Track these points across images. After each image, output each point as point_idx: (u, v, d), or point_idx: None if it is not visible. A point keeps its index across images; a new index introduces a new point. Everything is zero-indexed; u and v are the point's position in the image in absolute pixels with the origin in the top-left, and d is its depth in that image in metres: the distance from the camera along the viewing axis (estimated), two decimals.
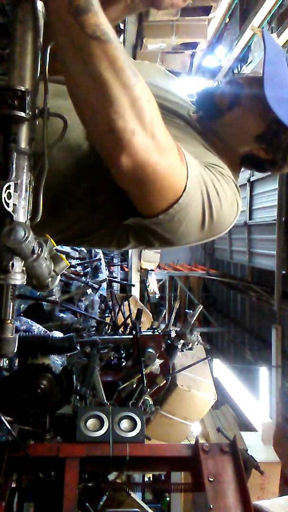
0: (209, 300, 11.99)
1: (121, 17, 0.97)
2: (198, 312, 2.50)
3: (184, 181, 0.83)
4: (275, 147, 1.07)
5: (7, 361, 0.77)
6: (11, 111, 0.70)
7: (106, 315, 3.52)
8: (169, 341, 2.36)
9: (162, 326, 2.48)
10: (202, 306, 2.71)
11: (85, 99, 0.72)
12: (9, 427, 1.38)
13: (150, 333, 2.25)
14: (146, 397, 1.98)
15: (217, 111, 1.07)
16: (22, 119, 0.71)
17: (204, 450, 1.41)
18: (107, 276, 3.98)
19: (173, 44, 5.50)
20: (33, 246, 0.71)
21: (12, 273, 0.70)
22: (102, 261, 4.05)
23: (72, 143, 0.92)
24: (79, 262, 3.83)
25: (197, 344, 2.47)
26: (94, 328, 2.77)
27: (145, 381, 1.99)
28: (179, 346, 2.37)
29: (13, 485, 1.43)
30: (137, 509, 1.89)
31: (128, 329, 2.57)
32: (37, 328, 1.93)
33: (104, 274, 3.87)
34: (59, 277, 0.85)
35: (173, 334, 2.40)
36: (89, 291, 3.21)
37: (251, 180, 7.61)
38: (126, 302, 3.13)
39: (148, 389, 2.02)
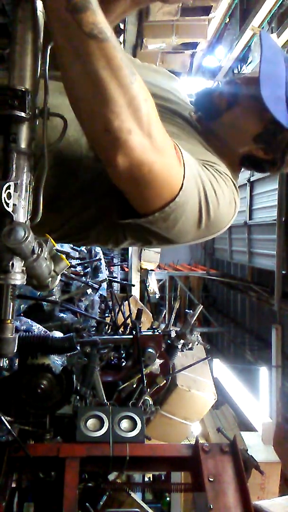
0: (209, 300, 11.99)
1: (128, 11, 0.96)
2: (198, 312, 2.50)
3: (180, 180, 0.83)
4: (273, 147, 1.07)
5: (7, 361, 0.77)
6: (11, 111, 0.70)
7: (106, 315, 3.52)
8: (169, 341, 2.36)
9: (162, 326, 2.48)
10: (202, 306, 2.71)
11: (81, 98, 0.72)
12: (9, 427, 1.38)
13: (150, 333, 2.25)
14: (146, 397, 1.98)
15: (215, 112, 1.07)
16: (22, 119, 0.71)
17: (204, 450, 1.41)
18: (107, 276, 3.98)
19: (173, 44, 5.50)
20: (33, 246, 0.72)
21: (12, 273, 0.70)
22: (102, 261, 4.05)
23: (71, 138, 0.92)
24: (79, 262, 3.84)
25: (197, 344, 2.47)
26: (94, 328, 2.77)
27: (145, 381, 1.99)
28: (179, 346, 2.37)
29: (13, 485, 1.43)
30: (137, 509, 1.89)
31: (128, 329, 2.57)
32: (37, 328, 1.93)
33: (104, 274, 3.87)
34: (59, 277, 0.85)
35: (173, 334, 2.40)
36: (89, 291, 3.21)
37: (251, 180, 7.61)
38: (126, 302, 3.13)
39: (148, 389, 2.03)
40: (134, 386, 2.00)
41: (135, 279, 6.80)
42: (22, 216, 0.71)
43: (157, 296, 9.15)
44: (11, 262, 0.69)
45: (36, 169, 0.76)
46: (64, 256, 0.83)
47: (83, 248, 4.02)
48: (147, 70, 1.19)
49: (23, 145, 0.72)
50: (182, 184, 0.83)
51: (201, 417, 2.91)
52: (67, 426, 1.63)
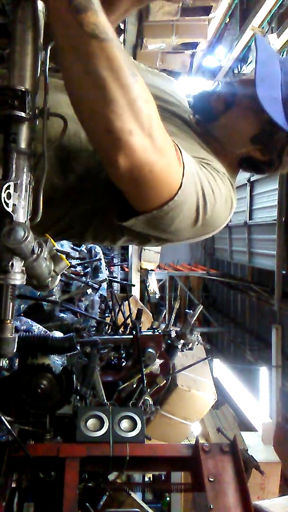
0: (209, 300, 11.99)
1: (130, 10, 0.97)
2: (198, 312, 2.50)
3: (179, 180, 0.83)
4: (270, 148, 1.08)
5: (7, 361, 0.77)
6: (11, 111, 0.70)
7: (106, 315, 3.52)
8: (169, 341, 2.36)
9: (162, 326, 2.48)
10: (202, 306, 2.71)
11: (83, 98, 0.72)
12: (9, 427, 1.38)
13: (150, 333, 2.25)
14: (146, 397, 1.98)
15: (213, 114, 1.08)
16: (22, 119, 0.71)
17: (204, 450, 1.41)
18: (107, 276, 3.98)
19: (173, 44, 5.50)
20: (33, 246, 0.72)
21: (11, 273, 0.70)
22: (102, 261, 4.05)
23: (70, 131, 0.92)
24: (79, 262, 3.83)
25: (197, 344, 2.47)
26: (94, 328, 2.77)
27: (145, 381, 1.99)
28: (179, 346, 2.37)
29: (13, 485, 1.43)
30: (137, 509, 1.89)
31: (128, 329, 2.57)
32: (37, 328, 1.93)
33: (104, 274, 3.86)
34: (59, 277, 0.85)
35: (173, 334, 2.40)
36: (89, 291, 3.21)
37: (251, 180, 7.61)
38: (126, 302, 3.13)
39: (148, 389, 2.02)
40: (134, 386, 2.00)
41: (135, 279, 6.80)
42: (22, 216, 0.71)
43: (157, 296, 9.14)
44: (10, 262, 0.69)
45: (36, 169, 0.76)
46: (64, 256, 0.83)
47: (83, 248, 4.02)
48: (146, 73, 1.20)
49: (23, 145, 0.72)
50: (181, 183, 0.83)
51: (201, 417, 2.91)
52: (67, 426, 1.63)
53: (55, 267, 0.81)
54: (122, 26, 4.73)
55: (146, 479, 2.77)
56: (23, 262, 0.71)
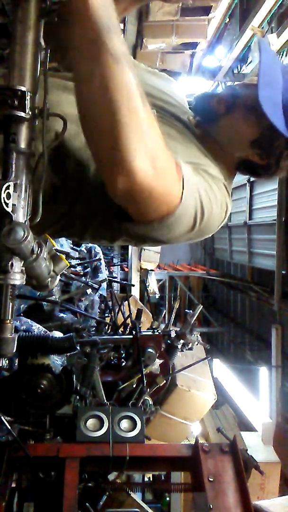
0: (209, 300, 11.99)
1: (129, 8, 0.98)
2: (198, 312, 2.50)
3: (179, 197, 0.85)
4: (269, 153, 1.08)
5: (6, 361, 0.77)
6: (11, 111, 0.70)
7: (106, 315, 3.52)
8: (169, 341, 2.36)
9: (162, 326, 2.48)
10: (202, 306, 2.71)
11: (92, 115, 0.74)
12: (9, 427, 1.38)
13: (150, 333, 2.25)
14: (146, 397, 1.98)
15: (214, 116, 1.09)
16: (22, 119, 0.71)
17: (204, 450, 1.41)
18: (107, 276, 3.98)
19: (173, 44, 5.50)
20: (33, 246, 0.72)
21: (11, 273, 0.70)
22: (102, 261, 4.05)
23: (71, 131, 0.92)
24: (79, 262, 3.84)
25: (197, 344, 2.47)
26: (94, 328, 2.77)
27: (145, 381, 1.99)
28: (179, 346, 2.36)
29: (13, 485, 1.43)
30: (137, 509, 1.89)
31: (128, 329, 2.57)
32: (37, 328, 1.93)
33: (104, 274, 3.86)
34: (58, 277, 0.85)
35: (173, 334, 2.40)
36: (89, 291, 3.21)
37: (251, 180, 7.61)
38: (126, 302, 3.13)
39: (148, 389, 2.02)
40: (134, 386, 2.00)
41: (135, 279, 6.80)
42: (21, 216, 0.71)
43: (157, 296, 9.15)
44: (10, 262, 0.69)
45: (36, 169, 0.76)
46: (63, 256, 0.83)
47: (83, 248, 4.02)
48: (146, 73, 1.20)
49: (22, 145, 0.72)
50: (181, 199, 0.85)
51: (201, 417, 2.91)
52: (67, 426, 1.63)
53: (54, 267, 0.81)
54: (122, 26, 4.73)
55: (146, 479, 2.77)
56: (22, 262, 0.71)
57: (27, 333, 1.74)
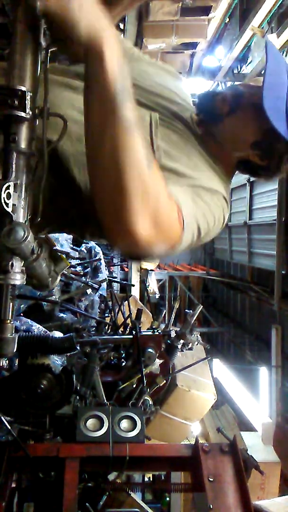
0: (209, 300, 11.99)
1: (131, 6, 0.98)
2: (198, 312, 2.49)
3: (179, 240, 0.90)
4: (270, 155, 1.09)
5: (6, 361, 0.77)
6: (11, 111, 0.70)
7: (106, 315, 3.52)
8: (169, 341, 2.36)
9: (162, 326, 2.48)
10: (202, 306, 2.71)
11: (100, 177, 0.78)
12: (9, 427, 1.38)
13: (150, 333, 2.25)
14: (146, 397, 1.98)
15: (217, 116, 1.09)
16: (22, 119, 0.71)
17: (204, 450, 1.41)
18: (107, 276, 3.98)
19: (173, 44, 5.50)
20: (33, 246, 0.72)
21: (11, 273, 0.70)
22: (102, 261, 4.05)
23: (73, 135, 0.93)
24: (79, 262, 3.83)
25: (197, 344, 2.47)
26: (94, 328, 2.77)
27: (145, 381, 1.99)
28: (179, 346, 2.36)
29: (13, 485, 1.43)
30: (137, 509, 1.89)
31: (128, 329, 2.57)
32: (37, 328, 1.93)
33: (104, 274, 3.86)
34: (59, 277, 0.85)
35: (173, 334, 2.40)
36: (89, 291, 3.21)
37: (251, 180, 7.61)
38: (126, 302, 3.12)
39: (148, 389, 2.02)
40: (134, 386, 2.00)
41: (135, 279, 6.81)
42: (22, 216, 0.71)
43: (157, 296, 9.14)
44: (10, 262, 0.69)
45: (36, 169, 0.76)
46: (64, 256, 0.83)
47: (83, 248, 4.02)
48: (154, 67, 1.20)
49: (23, 145, 0.72)
50: (181, 239, 0.90)
51: (201, 417, 2.91)
52: (67, 426, 1.63)
53: (55, 267, 0.81)
54: (122, 26, 4.73)
55: (146, 479, 2.77)
56: (23, 262, 0.71)
57: (27, 333, 1.74)
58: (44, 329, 1.93)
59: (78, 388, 1.77)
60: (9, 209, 0.69)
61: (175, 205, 0.86)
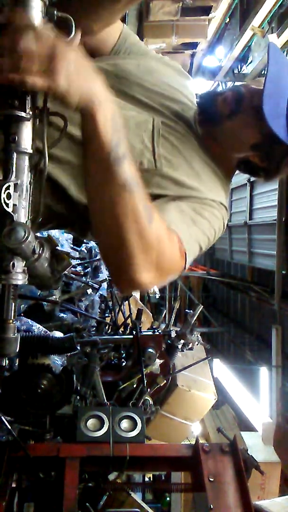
0: (209, 300, 11.98)
1: (131, 3, 0.98)
2: (198, 312, 2.49)
3: (182, 269, 0.95)
4: (270, 157, 1.11)
5: (7, 361, 0.77)
6: (11, 111, 0.70)
7: (106, 315, 3.52)
8: (169, 341, 2.36)
9: (162, 326, 2.48)
10: (202, 306, 2.71)
11: (102, 232, 0.82)
12: (9, 427, 1.37)
13: (150, 333, 2.24)
14: (146, 397, 1.98)
15: (218, 117, 1.09)
16: (22, 119, 0.71)
17: (204, 450, 1.41)
18: (107, 276, 3.98)
19: (173, 44, 5.51)
20: (34, 246, 0.72)
21: (13, 273, 0.70)
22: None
23: (75, 138, 0.93)
24: (79, 262, 3.83)
25: (197, 344, 2.47)
26: (94, 328, 2.77)
27: (145, 381, 1.99)
28: (179, 346, 2.36)
29: (13, 485, 1.42)
30: (137, 509, 1.88)
31: (128, 329, 2.57)
32: (37, 328, 1.93)
33: (104, 274, 3.86)
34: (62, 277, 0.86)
35: (173, 334, 2.40)
36: (89, 291, 3.21)
37: (251, 180, 7.60)
38: (126, 302, 3.12)
39: (149, 389, 2.02)
40: (134, 386, 2.00)
41: None
42: (23, 216, 0.71)
43: (157, 296, 9.15)
44: (12, 262, 0.69)
45: (37, 169, 0.76)
46: (66, 256, 0.83)
47: (83, 248, 4.02)
48: (160, 64, 1.20)
49: (23, 145, 0.72)
50: (184, 267, 0.95)
51: (201, 417, 2.91)
52: (67, 426, 1.63)
53: (58, 266, 0.81)
54: None
55: (146, 479, 2.77)
56: (24, 262, 0.71)
57: (27, 333, 1.74)
58: (44, 329, 1.93)
59: (79, 388, 1.77)
60: (9, 209, 0.69)
61: (176, 242, 0.91)
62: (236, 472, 1.37)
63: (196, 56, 6.98)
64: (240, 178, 7.33)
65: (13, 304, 0.72)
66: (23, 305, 2.27)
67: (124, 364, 2.17)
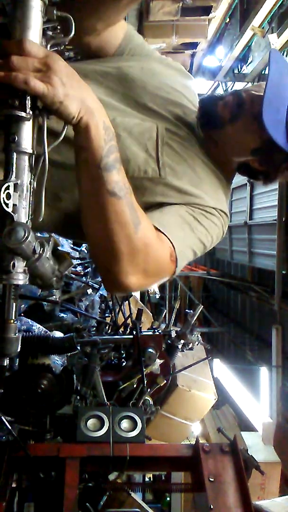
0: (210, 300, 11.98)
1: (130, 5, 0.99)
2: (199, 312, 2.49)
3: (172, 273, 0.97)
4: (269, 162, 1.12)
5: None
6: (12, 111, 0.70)
7: (107, 315, 3.52)
8: (169, 341, 2.35)
9: (163, 326, 2.48)
10: (202, 306, 2.71)
11: (91, 236, 0.85)
12: (9, 427, 1.37)
13: (150, 333, 2.24)
14: (146, 397, 1.98)
15: (218, 122, 1.10)
16: (22, 119, 0.71)
17: (204, 450, 1.41)
18: None
19: (174, 44, 5.51)
20: (34, 246, 0.71)
21: (14, 273, 0.70)
22: None
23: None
24: (79, 262, 3.83)
25: (197, 344, 2.47)
26: (94, 328, 2.77)
27: (145, 381, 1.99)
28: (180, 346, 2.36)
29: (13, 485, 1.42)
30: (137, 509, 1.88)
31: (128, 329, 2.57)
32: (38, 328, 1.93)
33: None
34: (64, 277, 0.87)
35: (173, 334, 2.40)
36: (89, 291, 3.21)
37: (251, 180, 7.59)
38: (126, 302, 3.12)
39: (149, 389, 2.02)
40: (135, 386, 2.00)
41: None
42: (23, 216, 0.71)
43: (157, 296, 9.15)
44: (12, 262, 0.69)
45: (37, 169, 0.76)
46: (68, 256, 0.84)
47: (83, 248, 4.02)
48: (163, 66, 1.20)
49: (23, 145, 0.72)
50: (175, 271, 0.97)
51: (201, 417, 2.91)
52: (67, 426, 1.63)
53: (59, 266, 0.82)
54: None
55: (147, 479, 2.77)
56: (25, 262, 0.71)
57: (27, 333, 1.74)
58: (44, 329, 1.93)
59: (79, 388, 1.77)
60: (9, 209, 0.69)
61: (166, 246, 0.93)
62: (236, 472, 1.37)
63: (196, 56, 6.98)
64: (240, 178, 7.31)
65: (14, 304, 0.73)
66: (23, 305, 2.27)
67: (124, 364, 2.17)
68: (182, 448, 1.52)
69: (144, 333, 2.19)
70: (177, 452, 1.50)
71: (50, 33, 0.78)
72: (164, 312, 2.89)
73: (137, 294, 6.32)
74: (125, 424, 1.50)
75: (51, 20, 0.76)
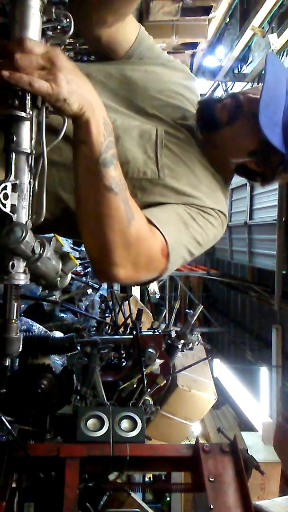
0: (210, 300, 11.98)
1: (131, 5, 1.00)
2: (199, 312, 2.49)
3: (164, 270, 0.98)
4: (266, 164, 1.13)
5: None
6: (11, 111, 0.70)
7: (107, 315, 3.52)
8: (169, 341, 2.36)
9: (163, 326, 2.48)
10: (202, 306, 2.70)
11: (87, 229, 0.87)
12: (9, 427, 1.38)
13: (150, 333, 2.24)
14: (146, 397, 1.98)
15: (216, 125, 1.12)
16: (22, 118, 0.71)
17: (204, 450, 1.41)
18: None
19: (174, 44, 5.50)
20: (33, 246, 0.71)
21: (14, 273, 0.70)
22: None
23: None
24: (80, 262, 3.83)
25: (197, 344, 2.47)
26: (94, 328, 2.77)
27: (145, 381, 1.99)
28: (180, 346, 2.36)
29: (13, 485, 1.42)
30: (137, 509, 1.88)
31: (128, 329, 2.57)
32: (38, 328, 1.93)
33: None
34: (69, 277, 0.88)
35: (173, 334, 2.40)
36: (89, 291, 3.21)
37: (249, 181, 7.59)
38: (127, 302, 3.12)
39: (149, 389, 2.02)
40: (135, 386, 2.00)
41: None
42: (23, 216, 0.71)
43: (157, 296, 9.13)
44: (11, 262, 0.69)
45: (37, 169, 0.76)
46: (72, 256, 0.85)
47: (83, 248, 4.02)
48: (167, 69, 1.21)
49: (23, 145, 0.72)
50: (166, 267, 0.98)
51: (201, 417, 2.91)
52: (67, 426, 1.63)
53: (63, 266, 0.82)
54: None
55: (146, 479, 2.77)
56: (25, 262, 0.71)
57: (27, 333, 1.74)
58: (44, 329, 1.93)
59: (79, 388, 1.77)
60: (7, 210, 0.69)
61: (158, 241, 0.94)
62: (236, 472, 1.37)
63: (196, 56, 6.97)
64: (240, 178, 7.27)
65: (15, 304, 0.73)
66: (23, 305, 2.27)
67: (124, 364, 2.17)
68: (182, 448, 1.52)
69: (144, 333, 2.19)
70: (177, 452, 1.50)
71: (50, 33, 0.78)
72: (164, 312, 2.89)
73: (137, 294, 6.32)
74: (125, 424, 1.50)
75: (51, 20, 0.76)
